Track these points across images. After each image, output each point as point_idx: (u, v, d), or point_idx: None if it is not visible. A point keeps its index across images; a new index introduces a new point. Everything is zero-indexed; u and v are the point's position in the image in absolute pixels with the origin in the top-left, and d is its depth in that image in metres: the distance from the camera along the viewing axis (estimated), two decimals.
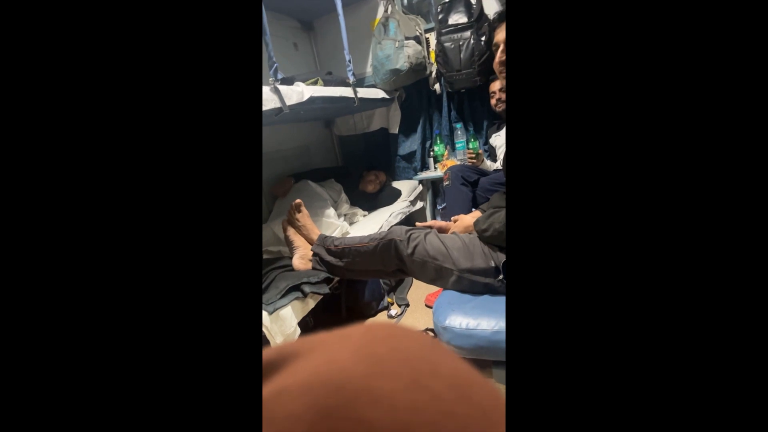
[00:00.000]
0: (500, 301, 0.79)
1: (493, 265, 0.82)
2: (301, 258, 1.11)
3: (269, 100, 1.07)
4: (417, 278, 0.96)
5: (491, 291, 0.83)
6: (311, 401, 0.13)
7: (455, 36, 1.62)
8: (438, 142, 1.87)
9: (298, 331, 1.02)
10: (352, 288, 1.46)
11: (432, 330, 1.09)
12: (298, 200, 1.17)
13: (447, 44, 1.64)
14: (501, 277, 0.80)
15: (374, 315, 1.49)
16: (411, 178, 1.97)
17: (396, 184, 1.90)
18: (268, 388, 0.15)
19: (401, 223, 1.59)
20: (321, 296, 1.12)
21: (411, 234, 0.93)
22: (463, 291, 0.85)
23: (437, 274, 0.88)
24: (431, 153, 1.92)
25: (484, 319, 0.73)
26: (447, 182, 1.45)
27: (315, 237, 1.12)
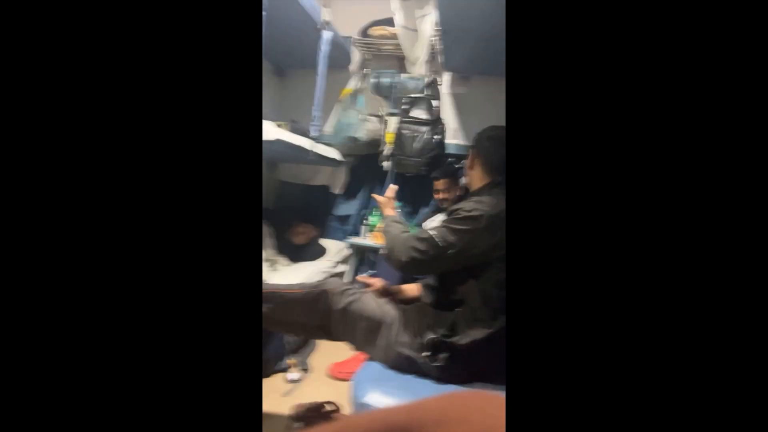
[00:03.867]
0: (424, 385, 0.80)
1: (420, 341, 0.84)
2: None
3: None
4: (339, 338, 0.93)
5: (416, 369, 0.84)
6: None
7: (413, 127, 1.81)
8: (375, 213, 1.95)
9: None
10: None
11: (333, 403, 1.03)
12: None
13: (405, 131, 1.81)
14: (427, 353, 0.82)
15: (269, 375, 1.36)
16: (340, 240, 1.98)
17: (323, 242, 1.89)
18: None
19: None
20: None
21: (348, 290, 0.92)
22: (387, 362, 0.85)
23: (367, 337, 0.86)
24: (365, 221, 1.99)
25: (405, 402, 0.73)
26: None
27: None
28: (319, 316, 0.91)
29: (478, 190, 0.96)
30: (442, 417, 0.16)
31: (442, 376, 0.81)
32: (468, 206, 0.85)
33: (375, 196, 1.14)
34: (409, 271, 0.88)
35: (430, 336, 0.83)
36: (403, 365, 0.84)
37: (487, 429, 0.15)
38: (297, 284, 0.96)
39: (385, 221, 1.00)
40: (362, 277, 1.05)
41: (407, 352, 0.83)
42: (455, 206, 0.89)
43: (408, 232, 0.93)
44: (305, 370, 1.44)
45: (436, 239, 0.83)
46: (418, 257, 0.83)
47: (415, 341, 0.84)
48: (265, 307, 0.95)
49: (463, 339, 0.81)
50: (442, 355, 0.81)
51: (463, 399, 0.17)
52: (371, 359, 0.90)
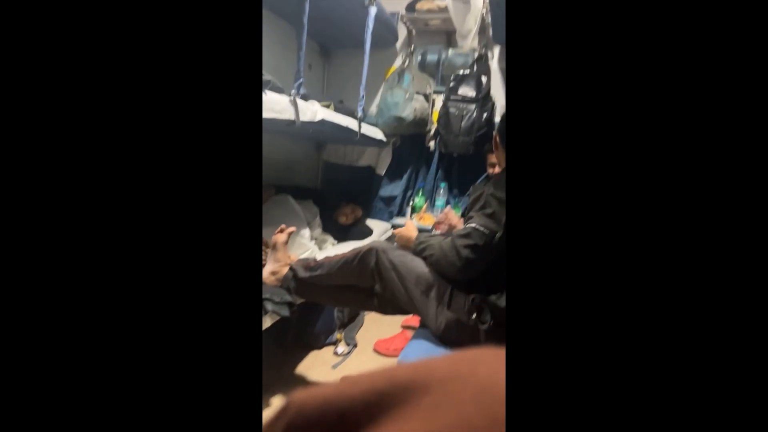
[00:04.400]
0: None
1: (466, 307, 0.84)
2: (272, 273, 1.07)
3: (285, 111, 1.07)
4: (390, 300, 0.94)
5: (465, 335, 0.84)
6: None
7: (461, 105, 1.75)
8: (420, 194, 1.94)
9: None
10: (306, 315, 1.41)
11: None
12: (291, 229, 1.14)
13: (452, 110, 1.76)
14: (474, 316, 0.82)
15: (321, 348, 1.43)
16: (385, 221, 2.00)
17: (369, 223, 1.92)
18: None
19: None
20: (279, 318, 1.07)
21: (396, 249, 0.93)
22: (437, 326, 0.85)
23: (417, 297, 0.87)
24: (411, 203, 1.98)
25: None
26: (438, 232, 1.49)
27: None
28: (368, 275, 0.93)
29: (502, 172, 0.93)
30: (447, 374, 0.16)
31: (489, 342, 0.81)
32: (489, 189, 0.85)
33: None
34: (468, 270, 0.84)
35: (474, 296, 0.84)
36: (453, 330, 0.84)
37: (493, 383, 0.15)
38: (349, 250, 0.99)
39: (416, 243, 0.96)
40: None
41: (457, 315, 0.84)
42: (477, 193, 0.89)
43: (433, 238, 0.93)
44: (354, 345, 1.49)
45: (479, 228, 0.83)
46: (472, 253, 0.82)
47: (465, 305, 0.84)
48: (316, 272, 0.99)
49: (503, 301, 0.81)
50: (487, 317, 0.81)
51: (470, 356, 0.17)
52: (422, 324, 0.91)
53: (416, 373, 0.17)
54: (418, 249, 0.94)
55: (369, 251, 0.93)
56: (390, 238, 1.98)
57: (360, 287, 0.98)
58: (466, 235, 0.83)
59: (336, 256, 1.00)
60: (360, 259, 0.94)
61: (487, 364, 0.17)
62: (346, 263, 0.96)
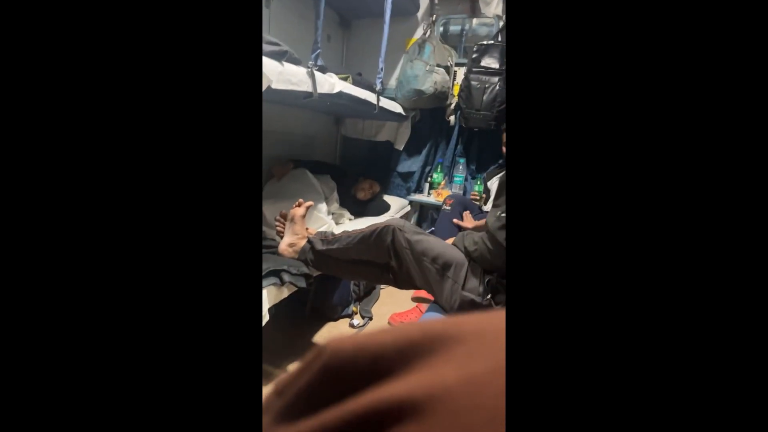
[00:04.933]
0: None
1: (482, 288, 0.84)
2: (289, 246, 1.09)
3: (303, 83, 1.06)
4: (405, 277, 0.95)
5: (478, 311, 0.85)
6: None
7: (483, 78, 1.69)
8: (438, 170, 1.91)
9: (267, 317, 0.99)
10: (323, 287, 1.44)
11: None
12: (308, 204, 1.15)
13: (474, 83, 1.70)
14: (489, 296, 0.82)
15: (337, 320, 1.47)
16: (403, 197, 1.99)
17: (387, 198, 1.92)
18: (423, 376, 0.15)
19: None
20: (296, 289, 1.10)
21: (412, 228, 0.94)
22: (451, 305, 0.86)
23: (432, 276, 0.88)
24: (429, 179, 1.96)
25: None
26: (447, 208, 1.48)
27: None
28: (384, 252, 0.94)
29: None
30: (479, 328, 0.16)
31: None
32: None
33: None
34: None
35: (489, 277, 0.84)
36: (467, 310, 0.85)
37: None
38: (366, 226, 1.00)
39: (470, 241, 0.93)
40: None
41: (471, 296, 0.84)
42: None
43: (473, 235, 0.91)
44: (370, 318, 1.52)
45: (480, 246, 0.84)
46: None
47: (480, 285, 0.85)
48: (334, 245, 1.01)
49: None
50: (502, 297, 0.81)
51: (499, 314, 0.17)
52: (434, 301, 0.92)
53: (448, 325, 0.17)
54: (472, 254, 0.91)
55: (386, 228, 0.94)
56: (406, 215, 1.98)
57: (376, 263, 0.99)
58: (503, 226, 0.82)
59: (353, 231, 1.00)
60: (377, 235, 0.94)
61: None
62: (362, 239, 0.97)
